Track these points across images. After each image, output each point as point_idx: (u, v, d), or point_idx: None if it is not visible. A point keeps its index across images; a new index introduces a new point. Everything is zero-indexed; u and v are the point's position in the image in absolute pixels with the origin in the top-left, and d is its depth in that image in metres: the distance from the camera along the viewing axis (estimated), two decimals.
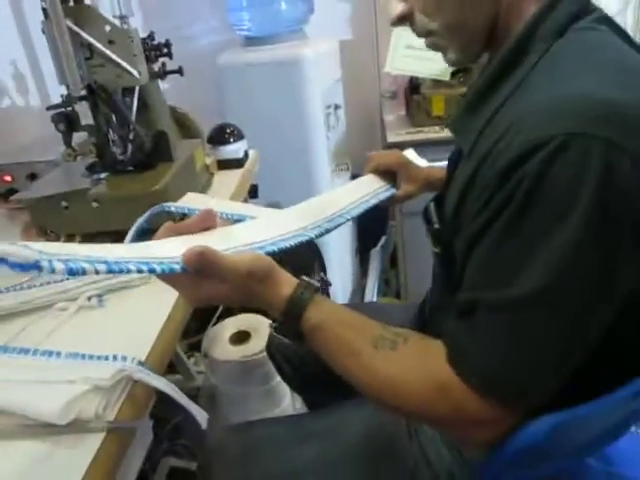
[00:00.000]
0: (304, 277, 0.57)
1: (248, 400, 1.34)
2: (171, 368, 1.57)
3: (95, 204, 0.91)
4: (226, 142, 1.31)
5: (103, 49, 0.88)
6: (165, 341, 0.69)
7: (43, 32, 0.85)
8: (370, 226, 2.19)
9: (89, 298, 0.77)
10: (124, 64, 0.89)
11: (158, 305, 0.73)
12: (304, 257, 1.67)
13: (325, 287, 1.90)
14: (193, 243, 0.51)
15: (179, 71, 1.07)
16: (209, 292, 0.54)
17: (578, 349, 0.48)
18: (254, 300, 0.56)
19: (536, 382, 0.49)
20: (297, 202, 0.78)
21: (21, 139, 1.42)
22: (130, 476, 0.61)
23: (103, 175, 0.98)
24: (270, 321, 0.60)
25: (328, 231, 0.72)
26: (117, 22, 0.91)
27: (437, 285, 0.73)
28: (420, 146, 1.08)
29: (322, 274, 1.75)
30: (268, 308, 0.57)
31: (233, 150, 1.31)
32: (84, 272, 0.45)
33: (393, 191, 0.90)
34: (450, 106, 1.74)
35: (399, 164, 0.91)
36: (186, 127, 1.26)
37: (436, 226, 0.64)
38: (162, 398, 0.61)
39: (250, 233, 0.64)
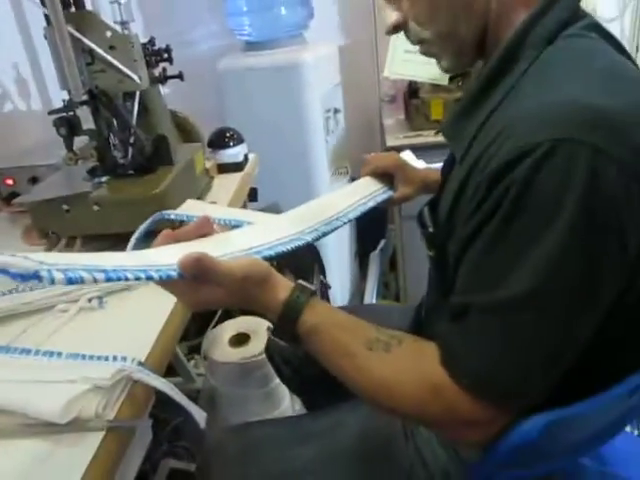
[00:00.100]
0: (300, 281, 0.58)
1: (247, 402, 1.35)
2: (171, 370, 1.57)
3: (96, 207, 0.92)
4: (226, 146, 1.32)
5: (104, 55, 0.89)
6: (165, 342, 0.70)
7: (45, 38, 0.86)
8: (369, 229, 2.20)
9: (90, 300, 0.78)
10: (125, 69, 0.91)
11: (158, 307, 0.74)
12: (304, 260, 1.68)
13: (325, 290, 1.90)
14: (190, 250, 0.52)
15: (179, 76, 1.09)
16: (206, 297, 0.55)
17: (568, 350, 0.49)
18: (251, 304, 0.57)
19: (527, 383, 0.49)
20: (296, 205, 0.79)
21: (23, 143, 1.43)
22: (130, 475, 0.62)
23: (104, 179, 0.99)
24: (269, 324, 0.61)
25: (325, 234, 0.73)
26: (118, 28, 0.92)
27: (432, 288, 0.74)
28: (419, 150, 1.09)
29: (322, 277, 1.76)
30: (265, 312, 0.58)
31: (233, 154, 1.33)
32: (83, 281, 0.46)
33: (390, 193, 0.91)
34: (448, 110, 1.75)
35: (396, 166, 0.92)
36: (186, 131, 1.27)
37: (430, 230, 0.65)
38: (162, 399, 0.62)
39: (247, 238, 0.65)
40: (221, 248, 0.59)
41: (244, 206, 1.33)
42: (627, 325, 0.53)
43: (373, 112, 2.19)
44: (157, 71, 1.06)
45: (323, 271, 1.77)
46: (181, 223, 0.78)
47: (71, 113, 0.93)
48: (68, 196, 0.92)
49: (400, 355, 0.55)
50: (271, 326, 0.58)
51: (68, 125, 0.93)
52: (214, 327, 1.51)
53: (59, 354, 0.63)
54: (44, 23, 0.86)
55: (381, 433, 0.76)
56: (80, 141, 0.99)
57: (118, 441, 0.55)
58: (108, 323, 0.74)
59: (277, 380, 1.32)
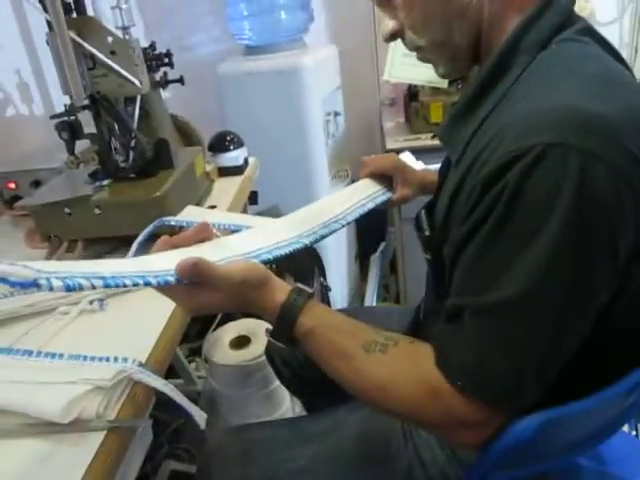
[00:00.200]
0: (298, 284, 0.59)
1: (248, 404, 1.36)
2: (172, 372, 1.58)
3: (97, 210, 0.93)
4: (226, 149, 1.33)
5: (105, 60, 0.90)
6: (165, 344, 0.70)
7: (47, 43, 0.87)
8: (369, 232, 2.21)
9: (91, 302, 0.78)
10: (126, 74, 0.91)
11: (159, 308, 0.75)
12: (304, 263, 1.69)
13: (325, 292, 1.90)
14: (188, 255, 0.53)
15: (180, 80, 1.10)
16: (205, 301, 0.55)
17: (561, 351, 0.50)
18: (249, 308, 0.58)
19: (520, 383, 0.50)
20: (297, 208, 0.80)
21: (25, 147, 1.44)
22: (130, 475, 0.63)
23: (105, 182, 1.00)
24: (268, 325, 0.61)
25: (323, 237, 0.74)
26: (119, 33, 0.93)
27: (430, 290, 0.75)
28: (418, 152, 1.10)
29: (322, 280, 1.76)
30: (263, 315, 0.59)
31: (233, 157, 1.33)
32: (81, 288, 0.47)
33: (389, 195, 0.91)
34: (445, 114, 1.76)
35: (395, 168, 0.92)
36: (187, 135, 1.28)
37: (427, 233, 0.66)
38: (163, 401, 0.63)
39: (246, 243, 0.66)
40: (219, 253, 0.60)
41: (244, 209, 1.34)
42: (621, 326, 0.53)
43: (373, 115, 2.20)
44: (158, 75, 1.07)
45: (323, 273, 1.78)
46: (180, 229, 0.79)
47: (73, 117, 0.94)
48: (70, 199, 0.93)
49: (396, 356, 0.56)
50: (270, 328, 0.59)
51: (70, 129, 0.94)
52: (215, 329, 1.52)
53: (61, 355, 0.63)
54: (46, 29, 0.87)
55: (380, 434, 0.76)
56: (82, 145, 1.01)
57: (119, 441, 0.55)
58: (109, 325, 0.75)
59: (277, 382, 1.32)
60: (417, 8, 0.60)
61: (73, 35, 0.86)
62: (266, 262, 0.62)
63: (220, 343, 1.40)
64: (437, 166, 0.79)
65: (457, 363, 0.51)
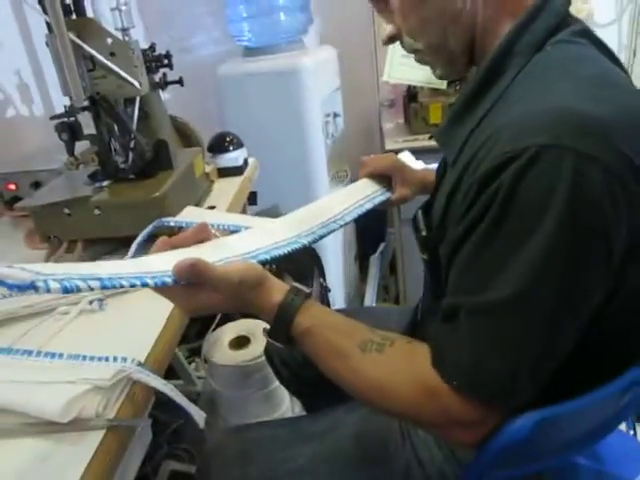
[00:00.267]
0: (295, 283, 0.59)
1: (248, 404, 1.36)
2: (172, 373, 1.59)
3: (97, 211, 0.93)
4: (226, 150, 1.34)
5: (105, 61, 0.90)
6: (164, 343, 0.70)
7: (47, 45, 0.88)
8: (369, 232, 2.21)
9: (90, 302, 0.78)
10: (125, 75, 0.92)
11: (158, 308, 0.75)
12: (304, 264, 1.69)
13: (325, 293, 1.90)
14: (186, 256, 0.53)
15: (179, 81, 1.10)
16: (203, 302, 0.56)
17: (555, 351, 0.50)
18: (247, 308, 0.58)
19: (515, 383, 0.50)
20: (296, 209, 0.80)
21: (25, 148, 1.44)
22: (130, 473, 0.63)
23: (105, 183, 1.00)
24: (266, 325, 0.62)
25: (322, 237, 0.74)
26: (119, 34, 0.93)
27: (427, 290, 0.75)
28: (417, 153, 1.10)
29: (322, 280, 1.77)
30: (260, 314, 0.59)
31: (233, 158, 1.34)
32: (79, 289, 0.47)
33: (388, 195, 0.92)
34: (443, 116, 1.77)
35: (394, 168, 0.93)
36: (187, 136, 1.29)
37: (424, 233, 0.66)
38: (162, 401, 0.63)
39: (244, 243, 0.66)
40: (218, 253, 0.60)
41: (244, 210, 1.34)
42: (615, 327, 0.54)
43: (372, 116, 2.21)
44: (157, 77, 1.07)
45: (323, 274, 1.78)
46: (180, 229, 0.80)
47: (72, 118, 0.95)
48: (69, 200, 0.93)
49: (393, 356, 0.56)
50: (267, 327, 0.59)
51: (69, 130, 0.94)
52: (214, 330, 1.52)
53: (60, 355, 0.64)
54: (46, 30, 0.87)
55: (378, 434, 0.77)
56: (81, 146, 1.01)
57: (118, 440, 0.56)
58: (108, 325, 0.75)
59: (277, 382, 1.33)
60: (413, 13, 0.61)
61: (73, 37, 0.87)
62: (264, 262, 0.62)
63: (219, 343, 1.40)
64: (436, 165, 0.79)
65: (453, 363, 0.52)
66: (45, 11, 0.84)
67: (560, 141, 0.45)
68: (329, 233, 0.76)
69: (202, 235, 0.64)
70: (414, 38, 0.63)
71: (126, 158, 0.99)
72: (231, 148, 1.34)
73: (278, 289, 0.58)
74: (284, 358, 1.06)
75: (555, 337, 0.49)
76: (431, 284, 0.69)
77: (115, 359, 0.61)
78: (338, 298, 1.94)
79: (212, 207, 1.14)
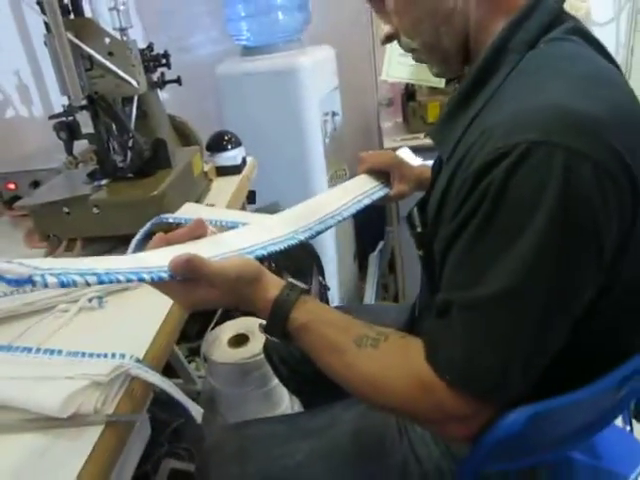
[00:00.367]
0: (291, 279, 0.60)
1: (247, 402, 1.36)
2: (172, 372, 1.59)
3: (96, 210, 0.94)
4: (224, 149, 1.34)
5: (103, 60, 0.91)
6: (163, 340, 0.71)
7: (45, 45, 0.88)
8: (368, 231, 2.21)
9: (90, 300, 0.79)
10: (123, 74, 0.92)
11: (157, 305, 0.75)
12: (303, 262, 1.69)
13: (324, 292, 1.90)
14: (183, 251, 0.54)
15: (177, 80, 1.11)
16: (200, 297, 0.56)
17: (546, 346, 0.50)
18: (243, 303, 0.59)
19: (507, 377, 0.50)
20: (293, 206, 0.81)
21: (24, 148, 1.44)
22: (129, 468, 0.63)
23: (103, 182, 1.01)
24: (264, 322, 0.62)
25: (319, 233, 0.74)
26: (117, 34, 0.94)
27: (424, 287, 0.76)
28: (416, 152, 1.11)
29: (321, 279, 1.77)
30: (257, 310, 0.59)
31: (231, 157, 1.34)
32: (75, 284, 0.48)
33: (386, 190, 0.92)
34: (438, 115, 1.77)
35: (392, 164, 0.93)
36: (185, 135, 1.29)
37: (419, 230, 0.67)
38: (162, 400, 0.63)
39: (241, 239, 0.67)
40: (214, 249, 0.61)
41: (242, 208, 1.34)
42: (608, 324, 0.54)
43: (371, 115, 2.21)
44: (155, 76, 1.08)
45: (322, 273, 1.78)
46: (178, 226, 0.80)
47: (71, 118, 0.95)
48: (68, 199, 0.94)
49: (387, 351, 0.56)
50: (263, 323, 0.60)
51: (68, 129, 0.94)
52: (213, 328, 1.53)
53: (59, 352, 0.64)
54: (44, 30, 0.88)
55: (375, 430, 0.77)
56: (80, 145, 1.01)
57: (117, 435, 0.56)
58: (108, 322, 0.76)
59: (276, 381, 1.33)
60: (406, 13, 0.62)
61: (71, 37, 0.87)
62: (261, 258, 0.63)
63: (219, 341, 1.41)
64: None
65: (446, 358, 0.52)
66: (43, 11, 0.84)
67: (550, 137, 0.46)
68: (326, 229, 0.76)
69: (198, 231, 0.64)
70: (410, 37, 0.65)
71: (124, 157, 1.00)
72: (229, 147, 1.35)
73: (274, 285, 0.58)
74: (283, 356, 1.07)
75: (546, 333, 0.50)
76: (427, 280, 0.69)
77: (114, 355, 0.62)
78: (337, 297, 1.94)
79: (211, 205, 1.14)
